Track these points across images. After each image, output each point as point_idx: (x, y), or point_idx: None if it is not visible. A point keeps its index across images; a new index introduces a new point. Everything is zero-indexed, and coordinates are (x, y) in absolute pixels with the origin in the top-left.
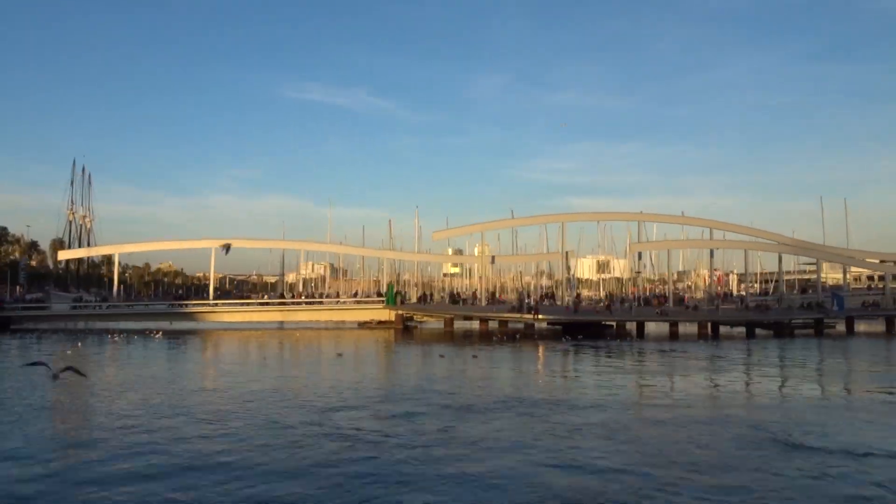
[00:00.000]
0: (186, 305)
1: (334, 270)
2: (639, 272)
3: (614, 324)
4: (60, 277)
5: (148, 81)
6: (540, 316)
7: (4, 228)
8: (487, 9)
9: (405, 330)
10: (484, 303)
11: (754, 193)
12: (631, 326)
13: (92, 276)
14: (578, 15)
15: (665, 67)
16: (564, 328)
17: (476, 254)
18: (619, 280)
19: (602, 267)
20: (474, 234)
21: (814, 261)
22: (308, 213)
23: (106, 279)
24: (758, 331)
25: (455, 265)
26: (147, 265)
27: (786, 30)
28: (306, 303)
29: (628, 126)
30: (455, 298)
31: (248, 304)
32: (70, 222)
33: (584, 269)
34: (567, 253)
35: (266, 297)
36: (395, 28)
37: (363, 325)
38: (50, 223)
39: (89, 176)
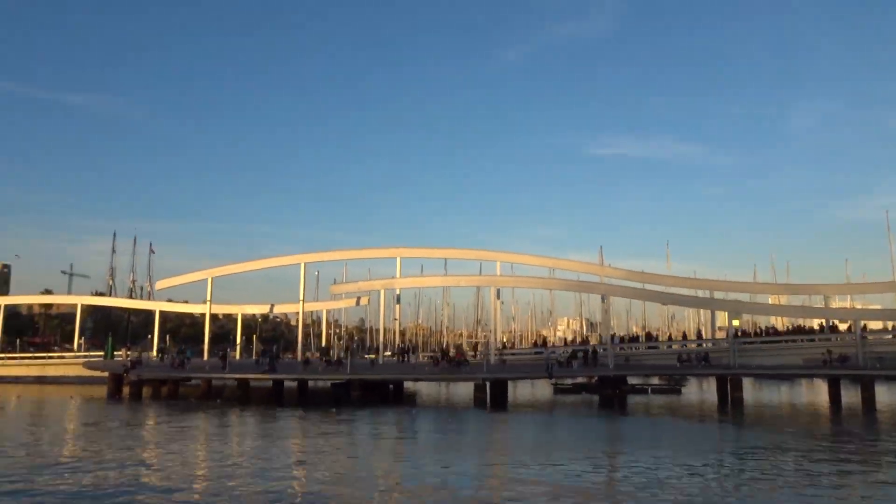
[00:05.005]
0: None
1: (589, 325)
2: (395, 318)
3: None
4: None
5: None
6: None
7: None
8: (803, 33)
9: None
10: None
11: None
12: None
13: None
14: None
15: None
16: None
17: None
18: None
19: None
20: (201, 282)
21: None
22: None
23: None
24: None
25: None
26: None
27: None
28: (6, 357)
29: None
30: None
31: None
32: (111, 287)
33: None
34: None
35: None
36: (698, 68)
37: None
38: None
39: (150, 246)
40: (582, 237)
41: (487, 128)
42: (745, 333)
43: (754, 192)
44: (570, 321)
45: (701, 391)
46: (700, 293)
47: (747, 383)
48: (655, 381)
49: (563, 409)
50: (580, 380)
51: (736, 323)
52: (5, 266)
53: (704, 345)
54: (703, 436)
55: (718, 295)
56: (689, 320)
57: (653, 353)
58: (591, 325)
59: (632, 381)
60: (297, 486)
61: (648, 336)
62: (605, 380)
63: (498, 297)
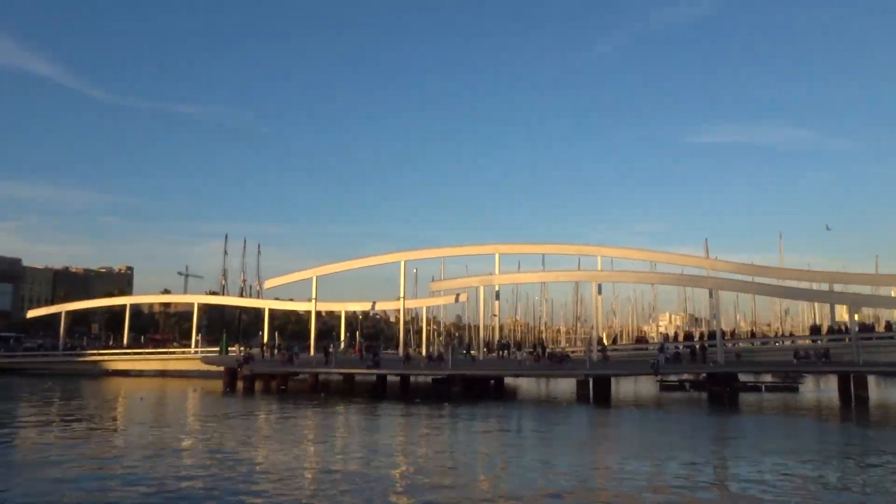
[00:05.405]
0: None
1: (694, 320)
2: (495, 315)
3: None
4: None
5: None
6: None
7: None
8: None
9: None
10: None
11: None
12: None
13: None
14: None
15: None
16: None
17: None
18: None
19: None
20: (305, 281)
21: None
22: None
23: None
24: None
25: None
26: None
27: None
28: (133, 352)
29: None
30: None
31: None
32: (223, 286)
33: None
34: (402, 298)
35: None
36: (807, 48)
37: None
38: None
39: (258, 247)
40: (685, 230)
41: (585, 121)
42: (866, 328)
43: (872, 178)
44: (672, 316)
45: (818, 389)
46: (816, 286)
47: (871, 381)
48: (768, 378)
49: (670, 406)
50: (685, 376)
51: (857, 317)
52: (128, 268)
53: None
54: (823, 437)
55: (837, 288)
56: (804, 315)
57: (766, 348)
58: (695, 321)
59: (743, 378)
60: (403, 479)
61: (729, 333)
62: (714, 377)
63: (599, 292)
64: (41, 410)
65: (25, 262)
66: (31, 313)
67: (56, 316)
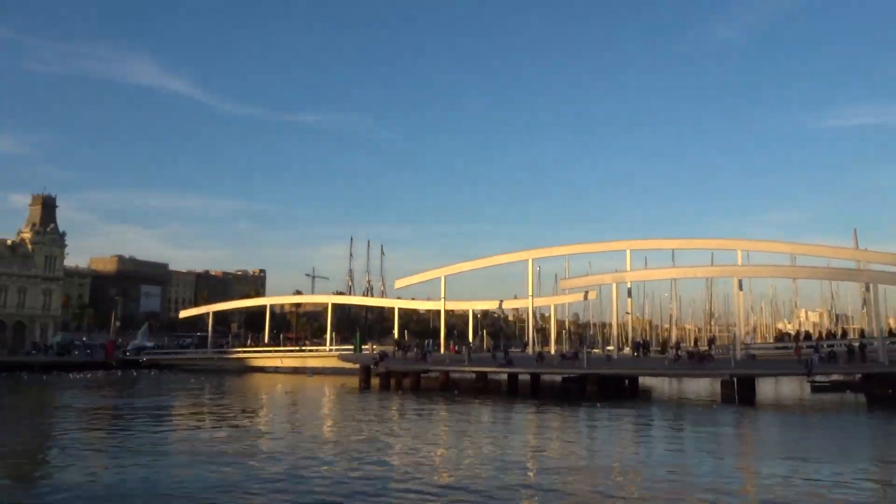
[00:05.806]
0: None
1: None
2: (628, 313)
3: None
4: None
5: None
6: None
7: None
8: None
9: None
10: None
11: None
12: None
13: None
14: None
15: None
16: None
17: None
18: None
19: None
20: (433, 281)
21: None
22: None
23: None
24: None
25: None
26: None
27: None
28: (273, 350)
29: None
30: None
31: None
32: (350, 287)
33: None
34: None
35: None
36: None
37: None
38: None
39: (381, 249)
40: (824, 220)
41: (712, 108)
42: None
43: None
44: (809, 313)
45: None
46: None
47: None
48: None
49: (824, 408)
50: (833, 377)
51: None
52: (261, 271)
53: None
54: None
55: None
56: None
57: None
58: (837, 318)
59: None
60: (538, 476)
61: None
62: (872, 377)
63: (740, 288)
64: (199, 402)
65: (171, 267)
66: (183, 313)
67: (200, 315)
